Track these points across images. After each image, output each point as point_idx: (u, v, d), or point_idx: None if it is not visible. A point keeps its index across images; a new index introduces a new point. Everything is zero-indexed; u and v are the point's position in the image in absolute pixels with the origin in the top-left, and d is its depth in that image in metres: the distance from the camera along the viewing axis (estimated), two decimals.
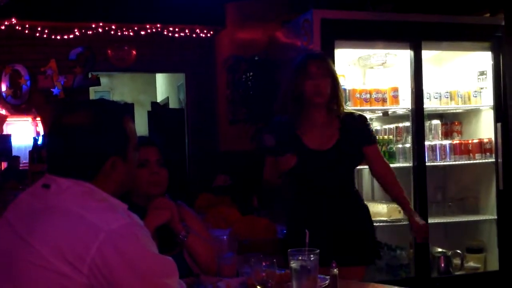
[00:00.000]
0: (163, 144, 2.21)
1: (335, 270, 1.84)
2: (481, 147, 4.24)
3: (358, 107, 4.08)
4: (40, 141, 5.99)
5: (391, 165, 4.05)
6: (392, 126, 4.32)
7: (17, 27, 6.36)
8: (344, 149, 2.60)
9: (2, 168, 6.48)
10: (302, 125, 2.62)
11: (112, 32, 6.66)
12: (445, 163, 4.25)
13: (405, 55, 4.14)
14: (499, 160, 4.20)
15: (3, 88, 6.49)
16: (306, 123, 2.62)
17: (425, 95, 4.13)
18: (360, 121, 2.67)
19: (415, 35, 4.05)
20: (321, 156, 2.58)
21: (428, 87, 4.17)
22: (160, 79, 10.20)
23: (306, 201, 2.64)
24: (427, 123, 4.23)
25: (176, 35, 6.88)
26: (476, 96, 4.30)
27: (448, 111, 4.46)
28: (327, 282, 1.87)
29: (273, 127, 2.67)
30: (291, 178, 2.65)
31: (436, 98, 4.23)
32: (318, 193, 2.61)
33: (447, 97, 4.26)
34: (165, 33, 6.83)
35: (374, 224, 3.97)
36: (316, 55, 2.72)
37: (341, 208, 2.61)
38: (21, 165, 6.42)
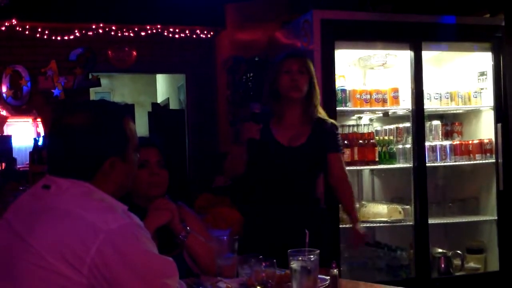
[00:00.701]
0: (164, 145, 2.21)
1: (335, 270, 1.85)
2: (482, 147, 4.24)
3: (359, 108, 4.09)
4: (40, 142, 5.98)
5: (391, 166, 4.12)
6: (393, 126, 4.32)
7: (17, 28, 6.36)
8: (311, 150, 2.65)
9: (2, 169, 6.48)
10: (276, 119, 2.70)
11: (113, 33, 6.66)
12: (445, 164, 4.25)
13: (405, 56, 4.14)
14: (499, 161, 4.20)
15: (4, 89, 6.49)
16: (280, 118, 2.70)
17: (425, 95, 4.13)
18: (330, 128, 2.73)
19: (415, 36, 4.05)
20: (288, 151, 2.64)
21: (428, 88, 4.17)
22: (161, 80, 10.20)
23: (265, 196, 2.69)
24: (427, 124, 4.23)
25: (176, 36, 6.88)
26: (476, 97, 4.30)
27: (449, 112, 4.46)
28: (327, 282, 1.87)
29: (253, 116, 2.69)
30: (255, 171, 2.69)
31: (437, 98, 4.23)
32: (277, 190, 2.65)
33: (447, 98, 4.26)
34: (165, 34, 6.83)
35: (375, 224, 4.02)
36: (295, 53, 2.81)
37: (295, 208, 2.65)
38: (21, 166, 6.42)
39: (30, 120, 6.76)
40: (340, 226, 3.76)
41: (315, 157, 2.68)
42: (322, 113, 2.78)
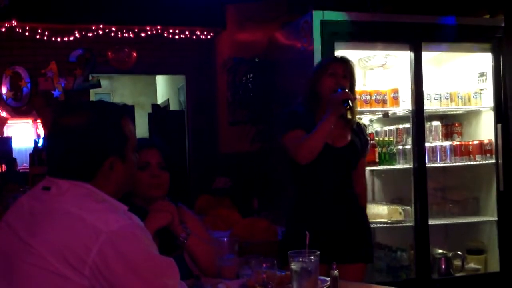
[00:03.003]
0: (165, 146, 2.21)
1: (335, 271, 1.84)
2: (482, 148, 4.24)
3: (358, 109, 4.07)
4: (40, 144, 5.99)
5: (391, 167, 4.12)
6: (392, 127, 4.32)
7: (17, 29, 6.37)
8: (355, 150, 2.72)
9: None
10: (319, 120, 2.68)
11: (113, 34, 6.66)
12: (445, 165, 4.24)
13: (405, 57, 4.14)
14: (499, 161, 4.20)
15: (4, 90, 6.49)
16: (318, 120, 2.68)
17: (425, 96, 4.13)
18: (364, 131, 2.81)
19: (415, 36, 4.05)
20: (335, 152, 2.66)
21: (428, 89, 4.17)
22: (161, 81, 10.21)
23: (310, 199, 2.69)
24: (427, 125, 4.23)
25: (176, 36, 6.88)
26: (476, 98, 4.30)
27: (448, 113, 4.45)
28: (327, 283, 1.87)
29: (294, 113, 2.72)
30: (298, 174, 2.70)
31: (436, 99, 4.23)
32: (323, 192, 2.67)
33: (447, 99, 4.26)
34: (166, 35, 6.84)
35: (375, 225, 4.01)
36: (340, 58, 2.83)
37: (343, 208, 2.69)
38: (21, 168, 6.42)
39: (30, 121, 6.77)
40: None
41: (357, 157, 2.74)
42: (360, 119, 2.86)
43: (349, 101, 2.57)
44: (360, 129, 2.78)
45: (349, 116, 2.72)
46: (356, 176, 2.80)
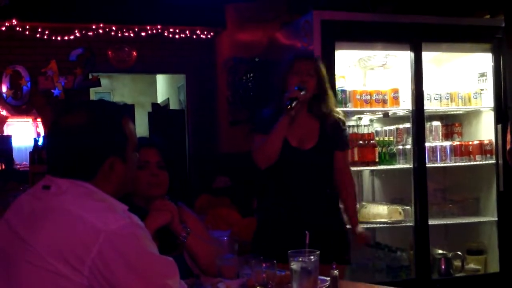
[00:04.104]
0: (165, 145, 2.21)
1: (335, 271, 1.84)
2: (482, 148, 4.24)
3: (359, 108, 4.09)
4: (40, 142, 5.98)
5: (391, 167, 4.12)
6: (393, 127, 4.32)
7: (17, 28, 6.36)
8: (322, 151, 2.66)
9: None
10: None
11: (113, 33, 6.66)
12: (445, 165, 4.24)
13: (405, 57, 4.14)
14: (499, 162, 4.20)
15: (4, 89, 6.49)
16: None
17: (426, 96, 4.13)
18: (338, 125, 2.72)
19: (415, 36, 4.05)
20: (301, 155, 2.63)
21: (428, 89, 4.17)
22: (161, 80, 10.20)
23: (281, 200, 2.67)
24: (427, 125, 4.23)
25: (177, 36, 6.88)
26: (476, 98, 4.30)
27: (449, 113, 4.46)
28: (327, 283, 1.87)
29: (261, 118, 2.70)
30: (270, 177, 2.68)
31: (437, 99, 4.23)
32: (293, 193, 2.65)
33: (448, 99, 4.26)
34: (166, 34, 6.83)
35: (375, 225, 4.01)
36: (304, 55, 2.80)
37: (316, 210, 2.65)
38: (20, 166, 6.42)
39: (30, 120, 6.76)
40: None
41: (327, 157, 2.69)
42: (339, 113, 2.77)
43: (293, 100, 2.52)
44: (336, 124, 2.71)
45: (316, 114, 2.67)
46: (338, 173, 2.73)
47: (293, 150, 2.62)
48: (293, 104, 2.53)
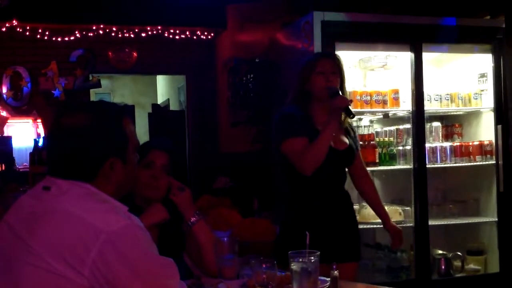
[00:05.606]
0: (175, 152, 2.21)
1: (335, 272, 1.85)
2: (482, 149, 4.24)
3: (359, 109, 4.08)
4: (40, 143, 5.99)
5: (391, 167, 4.12)
6: (393, 128, 4.32)
7: (18, 29, 6.37)
8: (353, 151, 2.73)
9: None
10: (318, 123, 2.62)
11: (113, 34, 6.67)
12: (445, 165, 4.24)
13: (405, 57, 4.14)
14: (499, 162, 4.20)
15: (4, 90, 6.49)
16: (310, 118, 2.65)
17: (426, 97, 4.13)
18: (353, 127, 2.83)
19: (415, 37, 4.05)
20: (338, 155, 2.65)
21: (428, 89, 4.17)
22: (161, 81, 10.21)
23: (307, 200, 2.67)
24: (427, 125, 4.23)
25: (177, 37, 6.88)
26: (476, 98, 4.30)
27: (449, 113, 4.46)
28: (327, 284, 1.87)
29: (292, 117, 2.63)
30: (296, 176, 2.64)
31: (437, 100, 4.23)
32: (321, 193, 2.66)
33: (448, 99, 4.26)
34: (166, 35, 6.84)
35: (375, 225, 4.01)
36: (328, 54, 2.83)
37: (338, 208, 2.70)
38: (20, 167, 6.42)
39: (30, 121, 6.76)
40: None
41: (353, 158, 2.76)
42: None
43: (350, 108, 2.57)
44: (350, 126, 2.80)
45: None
46: (359, 171, 2.82)
47: (332, 152, 2.61)
48: (352, 111, 2.58)
